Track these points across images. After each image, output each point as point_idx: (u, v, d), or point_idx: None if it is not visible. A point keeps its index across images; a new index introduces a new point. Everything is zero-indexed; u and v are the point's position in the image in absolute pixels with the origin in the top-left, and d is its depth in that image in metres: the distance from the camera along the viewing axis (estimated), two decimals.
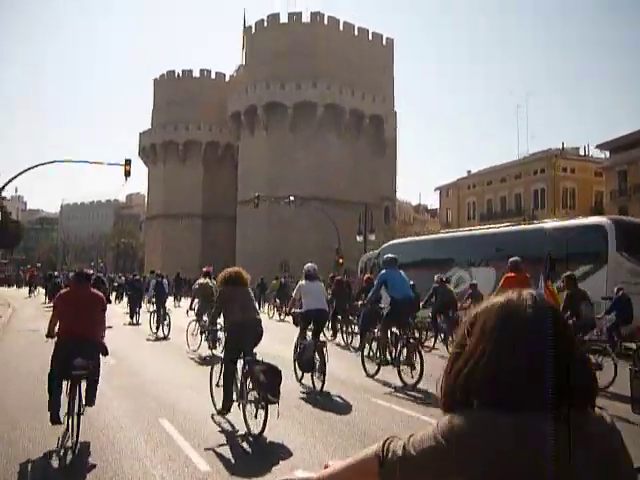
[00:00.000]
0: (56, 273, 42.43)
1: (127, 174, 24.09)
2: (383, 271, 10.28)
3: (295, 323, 11.04)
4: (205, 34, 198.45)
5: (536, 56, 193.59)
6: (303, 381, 9.55)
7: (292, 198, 40.89)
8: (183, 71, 74.80)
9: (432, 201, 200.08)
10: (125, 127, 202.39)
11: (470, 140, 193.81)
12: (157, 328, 16.82)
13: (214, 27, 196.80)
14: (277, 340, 12.22)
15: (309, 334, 9.85)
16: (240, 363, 7.05)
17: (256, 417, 6.49)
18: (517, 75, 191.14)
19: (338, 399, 8.78)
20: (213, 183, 73.28)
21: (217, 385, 7.44)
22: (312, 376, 9.25)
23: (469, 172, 70.83)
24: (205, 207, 73.41)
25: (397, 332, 10.05)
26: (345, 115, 58.03)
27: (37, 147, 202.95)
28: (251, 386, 6.67)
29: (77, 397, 6.01)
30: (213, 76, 75.48)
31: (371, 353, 10.70)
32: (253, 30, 61.12)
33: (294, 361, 9.71)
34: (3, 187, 21.95)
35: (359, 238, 36.65)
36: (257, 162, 58.88)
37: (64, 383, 6.16)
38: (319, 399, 8.67)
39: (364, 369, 10.54)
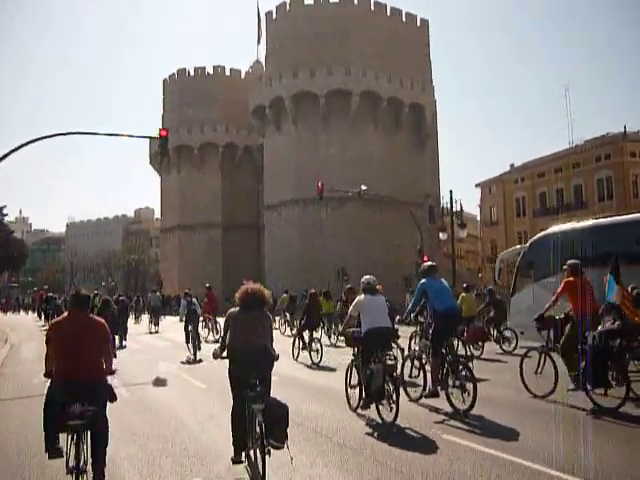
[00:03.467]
0: (52, 294, 37.58)
1: (164, 145, 18.17)
2: (423, 280, 9.27)
3: (349, 344, 9.57)
4: (212, 30, 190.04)
5: (579, 38, 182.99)
6: (359, 411, 8.56)
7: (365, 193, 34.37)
8: (195, 69, 68.55)
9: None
10: (132, 131, 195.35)
11: (502, 133, 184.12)
12: (194, 353, 16.28)
13: (221, 22, 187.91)
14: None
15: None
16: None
17: (259, 466, 5.41)
18: (559, 60, 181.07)
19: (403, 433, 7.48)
20: (232, 189, 66.95)
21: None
22: (377, 407, 8.12)
23: (512, 166, 64.85)
24: (225, 216, 66.90)
25: (442, 350, 8.96)
26: (382, 104, 51.51)
27: (34, 154, 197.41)
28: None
29: (82, 454, 4.89)
30: (228, 73, 69.27)
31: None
32: (274, 15, 54.77)
33: (346, 389, 9.06)
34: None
35: (442, 235, 30.48)
36: (285, 161, 52.43)
37: (62, 438, 5.03)
38: (386, 435, 7.37)
39: (406, 394, 9.33)
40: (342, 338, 20.08)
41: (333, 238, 49.86)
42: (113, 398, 5.41)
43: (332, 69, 49.95)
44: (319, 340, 15.14)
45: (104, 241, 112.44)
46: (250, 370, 5.88)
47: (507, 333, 15.82)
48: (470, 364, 8.56)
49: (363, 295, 8.76)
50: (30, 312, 49.32)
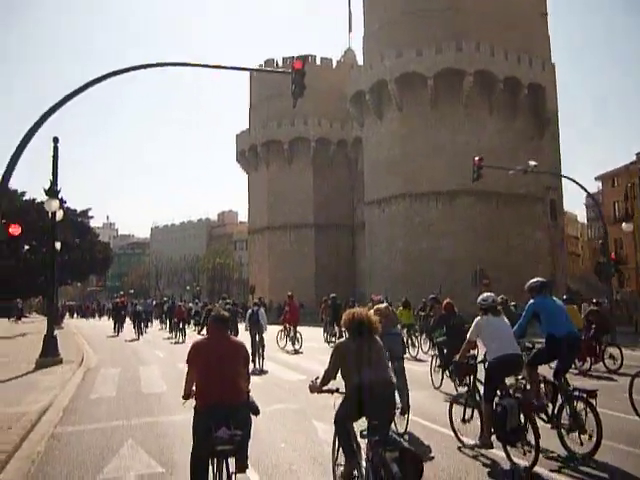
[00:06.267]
0: (120, 301, 34.78)
1: (300, 80, 13.49)
2: (531, 301, 7.86)
3: (457, 375, 8.67)
4: (299, 21, 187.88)
5: None
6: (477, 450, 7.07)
7: None
8: (284, 59, 64.52)
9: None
10: (220, 130, 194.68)
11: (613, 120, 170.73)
12: (252, 360, 14.52)
13: (308, 12, 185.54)
14: None
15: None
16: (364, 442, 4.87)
17: None
18: None
19: None
20: (325, 186, 62.46)
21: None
22: (505, 448, 6.67)
23: (638, 155, 57.30)
24: (317, 215, 62.50)
25: (555, 381, 7.57)
26: (498, 85, 45.48)
27: (126, 166, 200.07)
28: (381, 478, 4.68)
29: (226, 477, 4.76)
30: (318, 62, 64.84)
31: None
32: None
33: (452, 424, 7.68)
34: (47, 115, 11.76)
35: (627, 227, 24.45)
36: (388, 151, 47.09)
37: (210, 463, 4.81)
38: None
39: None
40: (428, 353, 16.78)
41: (444, 237, 44.22)
42: (256, 411, 5.14)
43: (441, 46, 44.33)
44: None
45: (188, 245, 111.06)
46: (379, 410, 4.92)
47: (611, 349, 14.56)
48: (593, 400, 6.75)
49: (484, 316, 7.46)
50: (110, 319, 47.68)
